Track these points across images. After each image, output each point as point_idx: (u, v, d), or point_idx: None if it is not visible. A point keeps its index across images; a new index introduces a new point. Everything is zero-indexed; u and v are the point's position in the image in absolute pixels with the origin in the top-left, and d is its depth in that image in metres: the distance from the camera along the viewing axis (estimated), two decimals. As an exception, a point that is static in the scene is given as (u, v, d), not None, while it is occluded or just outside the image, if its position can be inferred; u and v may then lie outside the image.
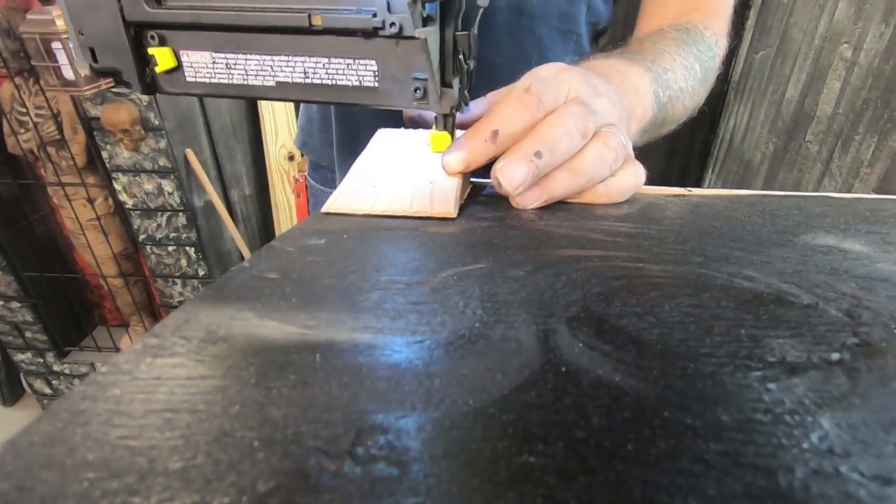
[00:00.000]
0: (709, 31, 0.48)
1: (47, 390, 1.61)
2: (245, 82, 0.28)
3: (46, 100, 1.19)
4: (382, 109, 0.28)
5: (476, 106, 0.32)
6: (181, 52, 0.28)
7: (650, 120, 0.40)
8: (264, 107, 1.53)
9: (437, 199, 0.27)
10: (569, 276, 0.20)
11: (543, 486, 0.11)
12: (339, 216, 0.26)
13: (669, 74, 0.42)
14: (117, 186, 1.31)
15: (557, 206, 0.29)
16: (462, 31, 0.25)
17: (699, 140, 1.73)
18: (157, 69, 0.28)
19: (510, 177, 0.27)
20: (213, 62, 0.28)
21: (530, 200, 0.28)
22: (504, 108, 0.28)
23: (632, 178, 0.30)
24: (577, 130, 0.28)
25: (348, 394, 0.14)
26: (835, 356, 0.15)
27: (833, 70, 1.11)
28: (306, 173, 0.69)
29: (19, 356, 1.54)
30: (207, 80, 0.29)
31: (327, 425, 0.12)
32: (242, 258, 1.47)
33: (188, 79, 0.29)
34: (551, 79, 0.29)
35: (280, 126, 1.57)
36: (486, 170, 0.28)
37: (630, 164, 0.31)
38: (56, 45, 0.98)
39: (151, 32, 0.28)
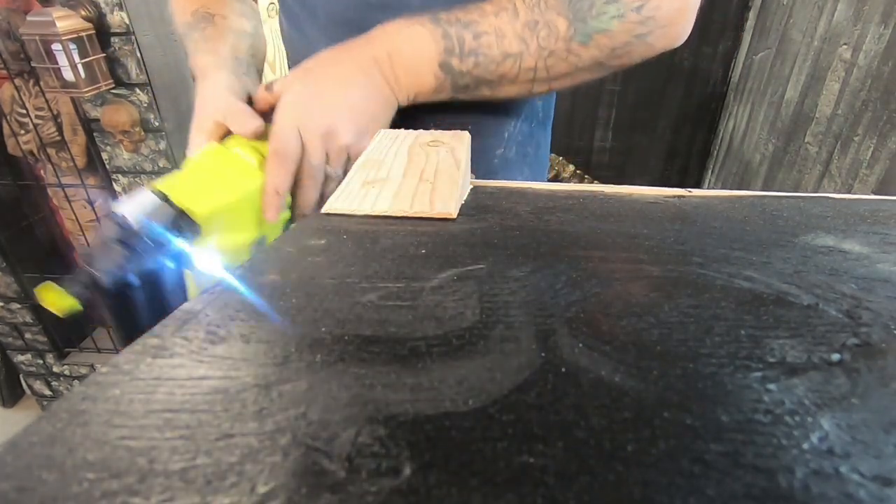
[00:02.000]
0: None
1: (47, 391, 1.61)
2: None
3: (46, 101, 1.19)
4: None
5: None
6: None
7: (434, 89, 0.43)
8: (264, 108, 1.53)
9: (437, 199, 0.27)
10: (569, 276, 0.20)
11: (543, 486, 0.11)
12: (339, 216, 0.26)
13: (474, 41, 0.41)
14: (117, 188, 1.31)
15: (557, 207, 0.29)
16: None
17: (699, 140, 1.73)
18: None
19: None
20: None
21: None
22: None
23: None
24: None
25: (348, 394, 0.14)
26: (835, 357, 0.15)
27: (832, 71, 1.12)
28: None
29: (19, 357, 1.54)
30: None
31: (327, 425, 0.12)
32: (242, 259, 1.47)
33: None
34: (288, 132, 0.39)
35: (280, 127, 1.57)
36: (487, 170, 0.28)
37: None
38: (56, 46, 0.98)
39: None
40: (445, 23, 0.41)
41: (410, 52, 0.41)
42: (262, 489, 0.11)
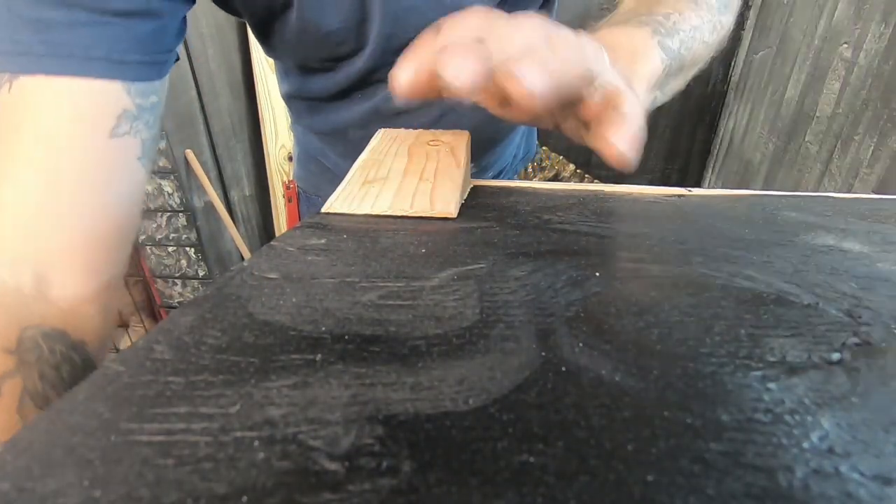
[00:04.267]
0: None
1: (47, 391, 1.61)
2: None
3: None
4: None
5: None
6: None
7: (661, 74, 0.35)
8: (264, 107, 1.53)
9: (437, 199, 0.27)
10: (569, 276, 0.20)
11: (543, 486, 0.11)
12: (339, 216, 0.26)
13: (674, 18, 0.37)
14: (117, 187, 1.31)
15: (557, 206, 0.29)
16: None
17: (699, 140, 1.73)
18: None
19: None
20: None
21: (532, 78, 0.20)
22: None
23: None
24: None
25: (348, 394, 0.14)
26: (835, 356, 0.15)
27: (833, 70, 1.11)
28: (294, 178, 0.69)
29: (19, 357, 1.54)
30: None
31: (327, 425, 0.12)
32: (242, 258, 1.47)
33: None
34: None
35: (280, 126, 1.57)
36: (486, 170, 0.28)
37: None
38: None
39: None
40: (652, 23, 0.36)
41: (631, 44, 0.34)
42: (262, 489, 0.11)
